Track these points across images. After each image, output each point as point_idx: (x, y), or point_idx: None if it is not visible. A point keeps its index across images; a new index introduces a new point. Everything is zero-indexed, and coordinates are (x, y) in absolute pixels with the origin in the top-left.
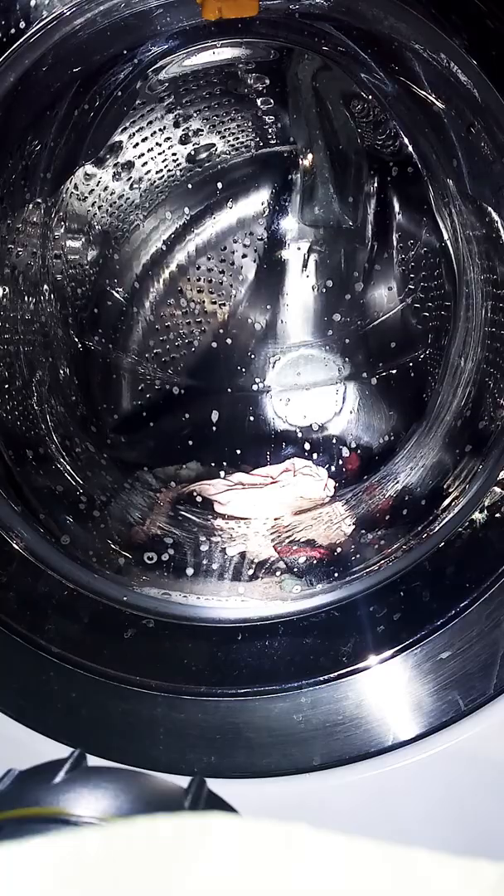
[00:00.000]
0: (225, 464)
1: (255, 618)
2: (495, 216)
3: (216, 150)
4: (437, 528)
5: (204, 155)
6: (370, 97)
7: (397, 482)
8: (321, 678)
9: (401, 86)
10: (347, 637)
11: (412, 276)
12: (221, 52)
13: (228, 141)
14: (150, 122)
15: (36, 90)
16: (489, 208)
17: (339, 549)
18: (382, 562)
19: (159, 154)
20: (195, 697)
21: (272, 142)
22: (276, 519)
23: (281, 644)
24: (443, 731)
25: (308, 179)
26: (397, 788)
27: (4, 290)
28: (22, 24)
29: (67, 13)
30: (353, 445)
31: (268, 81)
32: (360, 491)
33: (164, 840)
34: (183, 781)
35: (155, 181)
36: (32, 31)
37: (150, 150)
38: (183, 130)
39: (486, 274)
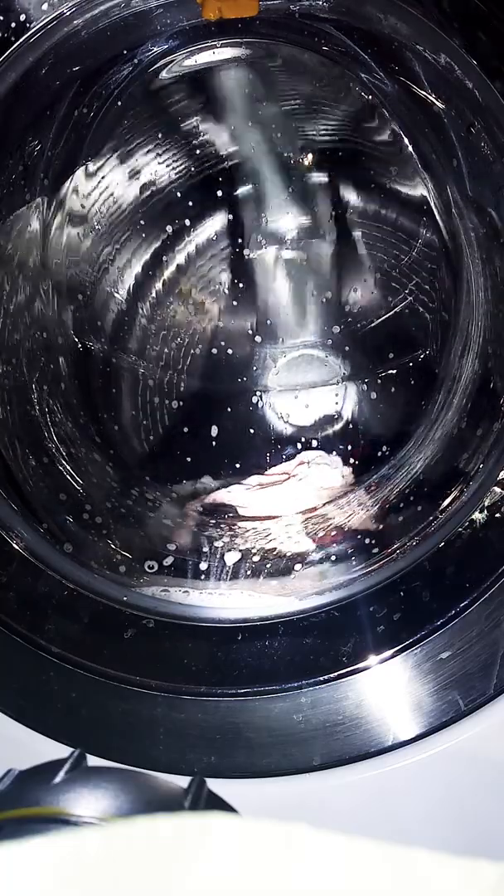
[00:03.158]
0: (237, 469)
1: (255, 618)
2: (495, 216)
3: (213, 152)
4: (437, 527)
5: (199, 153)
6: (370, 97)
7: (397, 481)
8: (321, 678)
9: (401, 86)
10: (347, 637)
11: (412, 276)
12: (221, 52)
13: (227, 138)
14: (149, 122)
15: (36, 90)
16: (489, 208)
17: (369, 531)
18: (382, 562)
19: (156, 157)
20: (195, 697)
21: (272, 140)
22: (303, 512)
23: (281, 644)
24: (443, 731)
25: (306, 180)
26: (397, 788)
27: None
28: (22, 21)
29: (67, 13)
30: (354, 445)
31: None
32: (359, 492)
33: (164, 840)
34: (183, 781)
35: (153, 183)
36: (33, 30)
37: (147, 153)
38: (181, 129)
39: (486, 273)
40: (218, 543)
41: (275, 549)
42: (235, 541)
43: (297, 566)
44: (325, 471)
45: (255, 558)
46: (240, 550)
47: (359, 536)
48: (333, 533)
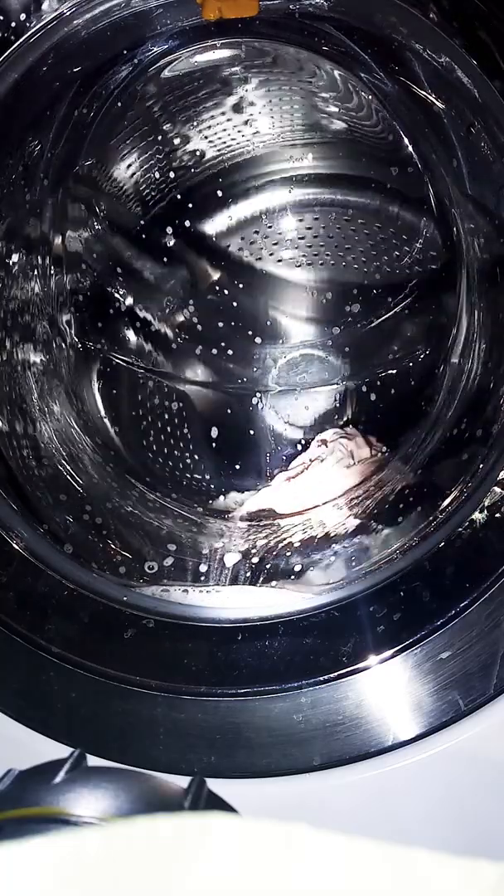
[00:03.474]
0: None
1: (255, 618)
2: (496, 216)
3: (213, 151)
4: (437, 527)
5: (199, 156)
6: (370, 97)
7: (396, 482)
8: (321, 678)
9: (401, 86)
10: (347, 637)
11: (412, 275)
12: (221, 52)
13: (226, 142)
14: (148, 122)
15: (36, 90)
16: (489, 208)
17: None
18: (382, 562)
19: (156, 156)
20: (195, 697)
21: (273, 140)
22: (348, 491)
23: (281, 644)
24: (443, 731)
25: (307, 180)
26: (397, 788)
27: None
28: (22, 21)
29: (67, 13)
30: (352, 445)
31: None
32: (359, 493)
33: (164, 840)
34: (183, 781)
35: (154, 182)
36: (33, 30)
37: (147, 152)
38: (180, 131)
39: (486, 274)
40: (216, 544)
41: (328, 534)
42: (282, 537)
43: (357, 536)
44: (347, 444)
45: (255, 560)
46: (239, 552)
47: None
48: (377, 504)
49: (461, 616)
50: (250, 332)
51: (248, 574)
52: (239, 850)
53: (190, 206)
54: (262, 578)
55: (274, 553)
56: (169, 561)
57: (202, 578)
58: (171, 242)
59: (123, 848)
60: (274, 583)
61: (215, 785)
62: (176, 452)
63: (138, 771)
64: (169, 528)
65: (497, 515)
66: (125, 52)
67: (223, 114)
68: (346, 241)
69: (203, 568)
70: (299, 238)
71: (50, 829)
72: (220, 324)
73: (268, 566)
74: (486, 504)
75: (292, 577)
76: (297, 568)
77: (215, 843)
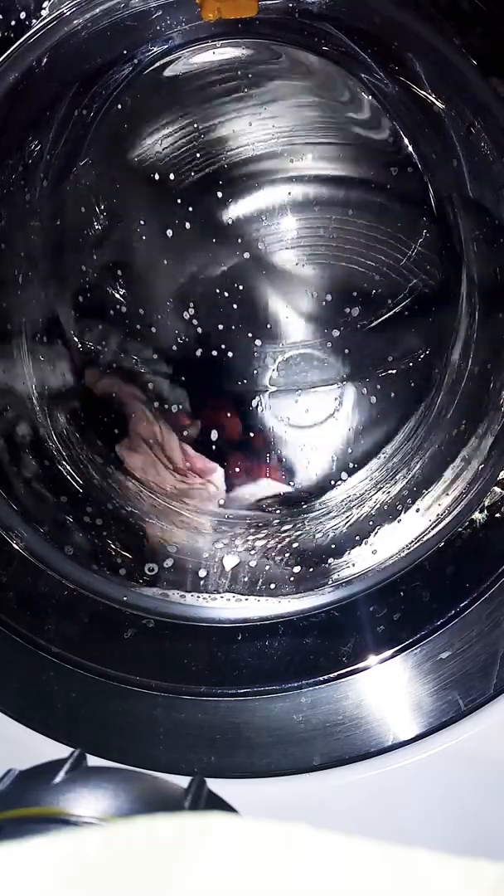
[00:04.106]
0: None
1: (255, 618)
2: (495, 216)
3: (212, 153)
4: (437, 528)
5: (199, 155)
6: (370, 97)
7: (396, 482)
8: (321, 678)
9: (401, 86)
10: (347, 637)
11: (412, 276)
12: (221, 52)
13: (227, 139)
14: (148, 123)
15: (36, 90)
16: (489, 208)
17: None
18: (382, 562)
19: (155, 158)
20: (195, 697)
21: (272, 140)
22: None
23: (281, 644)
24: (443, 731)
25: (306, 180)
26: (397, 788)
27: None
28: (23, 19)
29: (68, 13)
30: (352, 446)
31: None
32: (360, 491)
33: (164, 840)
34: (183, 781)
35: (152, 185)
36: (33, 30)
37: (146, 153)
38: (181, 130)
39: (486, 274)
40: (216, 545)
41: (326, 534)
42: (281, 538)
43: (349, 542)
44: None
45: (252, 563)
46: (237, 554)
47: (356, 537)
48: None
49: (461, 616)
50: (250, 334)
51: (247, 577)
52: (239, 850)
53: (189, 207)
54: (260, 580)
55: (273, 554)
56: (169, 562)
57: (202, 583)
58: (171, 244)
59: (123, 848)
60: (272, 585)
61: (215, 785)
62: (176, 453)
63: (138, 771)
64: (169, 530)
65: (497, 515)
66: (125, 52)
67: (223, 114)
68: (346, 241)
69: (202, 573)
70: (299, 238)
71: (50, 829)
72: (220, 325)
73: (267, 567)
74: (486, 504)
75: (291, 578)
76: (297, 569)
77: (215, 843)
